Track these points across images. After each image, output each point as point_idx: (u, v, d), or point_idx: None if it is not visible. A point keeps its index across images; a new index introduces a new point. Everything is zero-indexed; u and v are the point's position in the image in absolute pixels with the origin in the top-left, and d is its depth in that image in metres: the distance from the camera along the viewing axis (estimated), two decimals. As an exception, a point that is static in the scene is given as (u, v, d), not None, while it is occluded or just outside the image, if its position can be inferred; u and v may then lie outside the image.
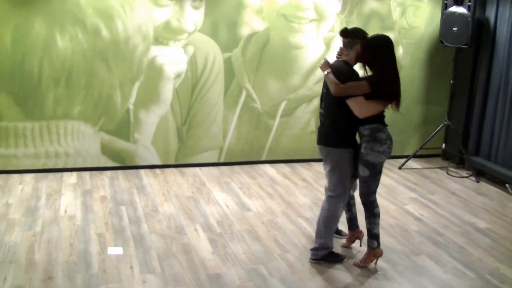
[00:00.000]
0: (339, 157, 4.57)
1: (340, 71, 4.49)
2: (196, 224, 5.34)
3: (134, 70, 6.52)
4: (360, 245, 4.98)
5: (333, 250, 4.76)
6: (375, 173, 4.54)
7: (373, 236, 4.64)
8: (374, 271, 4.57)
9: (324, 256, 4.72)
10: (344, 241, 5.06)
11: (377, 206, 4.62)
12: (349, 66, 4.56)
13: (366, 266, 4.67)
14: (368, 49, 4.44)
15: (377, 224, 4.63)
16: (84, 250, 4.71)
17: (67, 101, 6.41)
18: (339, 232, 5.17)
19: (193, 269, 4.49)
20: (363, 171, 4.52)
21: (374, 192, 4.59)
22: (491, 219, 5.78)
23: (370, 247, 4.66)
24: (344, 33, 4.58)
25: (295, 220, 5.51)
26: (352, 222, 4.99)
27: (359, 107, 4.39)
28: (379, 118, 4.50)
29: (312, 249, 4.74)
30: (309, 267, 4.59)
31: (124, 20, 6.35)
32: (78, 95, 6.43)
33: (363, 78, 4.47)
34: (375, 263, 4.73)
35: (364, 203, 4.61)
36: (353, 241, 5.03)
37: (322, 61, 4.72)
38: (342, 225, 5.19)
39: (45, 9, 6.13)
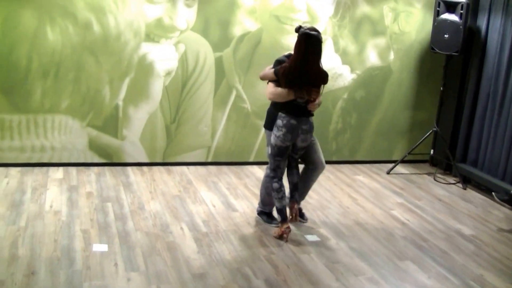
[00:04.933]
0: (267, 137, 5.28)
1: (275, 60, 5.14)
2: (182, 223, 5.33)
3: (124, 66, 6.49)
4: (286, 241, 5.15)
5: (279, 212, 5.19)
6: (274, 153, 5.10)
7: (276, 210, 5.21)
8: (358, 274, 4.58)
9: (260, 213, 5.54)
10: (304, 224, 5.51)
11: (276, 182, 5.14)
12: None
13: (277, 237, 5.14)
14: None
15: (277, 199, 5.15)
16: (68, 246, 4.68)
17: (55, 95, 6.37)
18: (301, 216, 5.57)
19: (178, 267, 4.47)
20: (268, 148, 5.19)
21: (272, 170, 5.16)
22: (475, 226, 5.80)
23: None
24: (295, 29, 5.04)
25: (281, 222, 5.51)
26: (290, 191, 5.30)
27: (267, 91, 5.08)
28: (286, 107, 5.01)
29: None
30: (294, 269, 4.59)
31: (116, 15, 6.32)
32: (67, 89, 6.39)
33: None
34: (285, 241, 5.10)
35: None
36: (294, 212, 5.28)
37: None
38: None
39: (35, 0, 6.09)
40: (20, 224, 5.02)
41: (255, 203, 5.90)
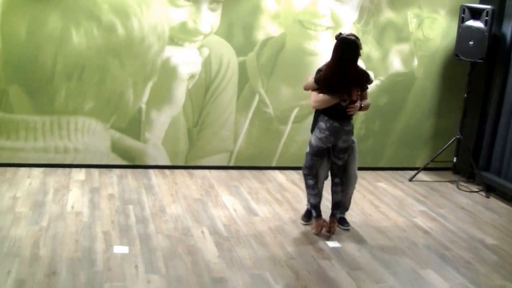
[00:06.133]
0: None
1: (316, 70, 5.27)
2: (203, 226, 5.32)
3: (148, 69, 6.52)
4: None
5: (309, 208, 5.48)
6: (311, 152, 5.32)
7: (311, 205, 5.39)
8: (379, 282, 4.54)
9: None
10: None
11: (310, 179, 5.36)
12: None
13: (316, 234, 5.32)
14: None
15: (312, 195, 5.34)
16: (89, 247, 4.69)
17: (79, 97, 6.41)
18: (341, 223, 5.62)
19: (198, 271, 4.47)
20: (307, 147, 5.37)
21: (306, 168, 5.37)
22: (499, 236, 5.74)
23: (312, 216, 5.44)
24: (335, 36, 5.13)
25: (302, 227, 5.48)
26: (332, 209, 5.48)
27: (311, 99, 5.22)
28: (329, 112, 5.14)
29: None
30: (315, 275, 4.56)
31: (140, 19, 6.35)
32: (90, 91, 6.43)
33: None
34: (328, 231, 5.33)
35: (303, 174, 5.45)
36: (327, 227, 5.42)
37: None
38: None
39: (61, 3, 6.14)
40: (42, 225, 5.05)
41: (277, 208, 5.90)
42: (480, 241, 5.56)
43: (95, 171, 6.53)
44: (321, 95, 5.09)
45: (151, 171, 6.73)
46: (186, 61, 6.61)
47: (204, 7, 6.49)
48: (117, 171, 6.62)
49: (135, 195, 5.97)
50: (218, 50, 6.68)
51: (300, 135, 7.13)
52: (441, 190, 7.01)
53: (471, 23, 6.84)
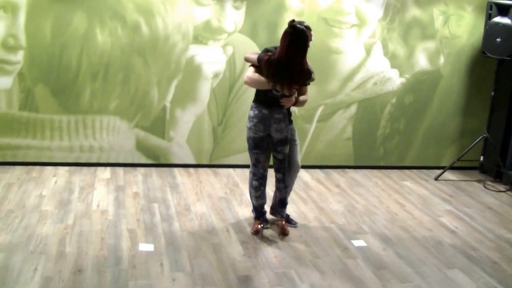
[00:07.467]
0: None
1: (264, 48, 5.01)
2: (228, 225, 5.32)
3: (172, 68, 6.52)
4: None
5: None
6: (250, 146, 5.09)
7: (253, 205, 5.30)
8: (405, 281, 4.50)
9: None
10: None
11: (256, 180, 5.17)
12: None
13: (253, 233, 5.15)
14: None
15: (254, 197, 5.22)
16: (115, 245, 4.71)
17: (104, 96, 6.44)
18: (289, 221, 5.43)
19: (223, 269, 4.46)
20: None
21: (253, 165, 5.16)
22: (527, 236, 5.67)
23: None
24: (288, 23, 4.77)
25: (327, 226, 5.45)
26: (277, 207, 5.32)
27: (246, 74, 4.96)
28: (259, 100, 4.99)
29: None
30: (340, 274, 4.53)
31: (164, 18, 6.36)
32: (115, 90, 6.45)
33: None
34: (283, 233, 5.16)
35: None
36: (279, 228, 5.24)
37: None
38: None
39: (86, 2, 6.16)
40: (68, 223, 5.08)
41: (301, 206, 5.87)
42: (507, 241, 5.49)
43: (120, 170, 6.56)
44: (257, 74, 4.86)
45: (175, 169, 6.73)
46: (211, 60, 6.60)
47: (228, 5, 6.48)
48: (142, 169, 6.64)
49: (159, 193, 5.98)
50: (242, 48, 6.66)
51: (325, 134, 7.09)
52: (468, 190, 6.94)
53: (498, 19, 6.76)
